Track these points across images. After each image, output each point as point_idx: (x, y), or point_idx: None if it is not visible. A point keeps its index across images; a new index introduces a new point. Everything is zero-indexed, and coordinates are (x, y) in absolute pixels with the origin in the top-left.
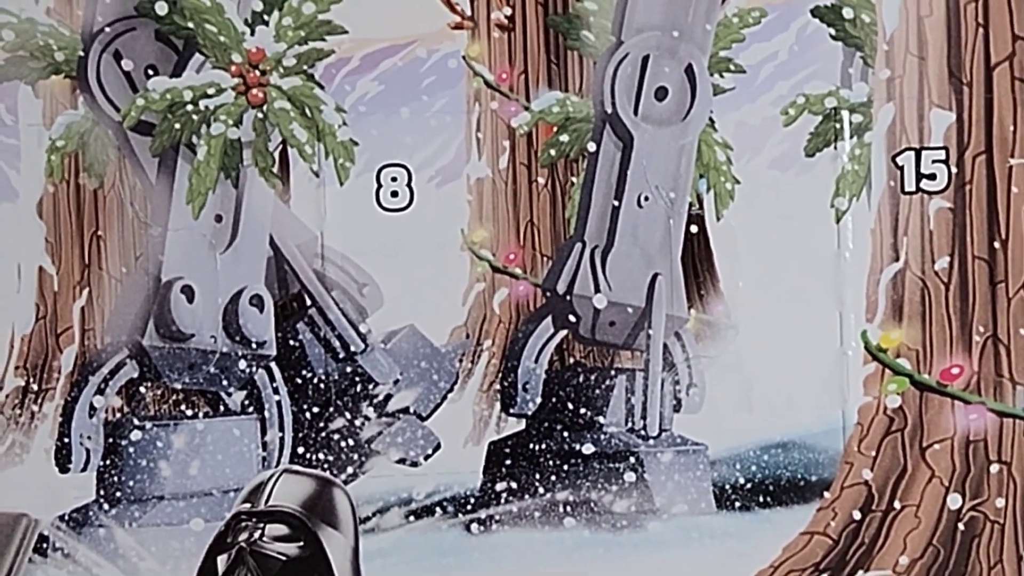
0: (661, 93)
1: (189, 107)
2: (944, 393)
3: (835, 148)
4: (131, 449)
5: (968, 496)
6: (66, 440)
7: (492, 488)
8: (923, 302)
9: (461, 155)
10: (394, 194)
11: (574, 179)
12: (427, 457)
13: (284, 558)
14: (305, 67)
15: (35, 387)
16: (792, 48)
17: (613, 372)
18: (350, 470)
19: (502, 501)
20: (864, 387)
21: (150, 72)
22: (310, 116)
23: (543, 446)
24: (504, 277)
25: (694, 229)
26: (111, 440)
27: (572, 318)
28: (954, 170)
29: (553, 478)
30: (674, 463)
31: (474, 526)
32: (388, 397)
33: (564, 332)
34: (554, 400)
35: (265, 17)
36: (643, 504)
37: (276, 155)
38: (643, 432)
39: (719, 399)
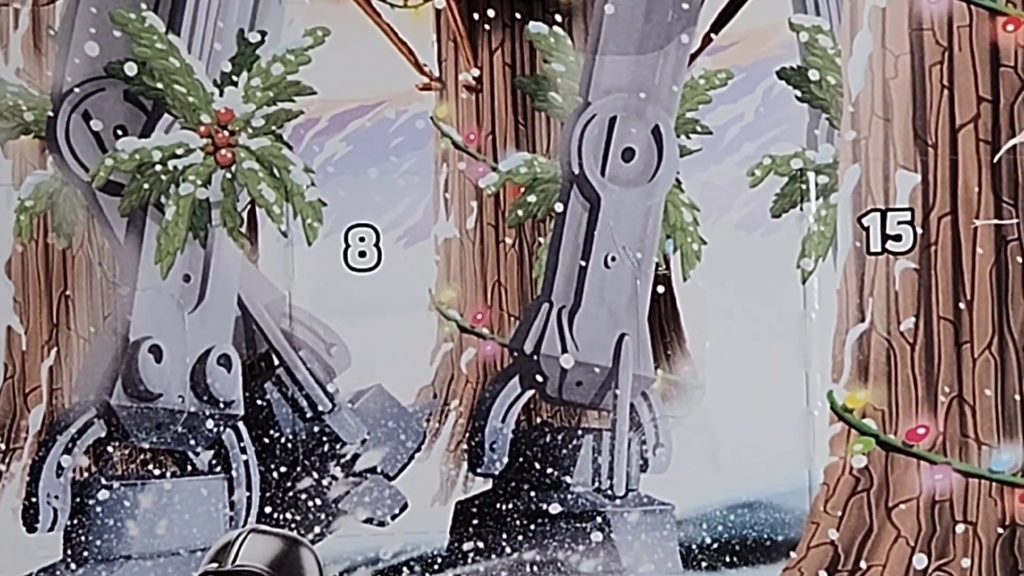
0: (628, 154)
1: (158, 167)
2: (910, 453)
3: (801, 209)
4: (98, 508)
5: (934, 556)
6: (33, 499)
7: (459, 548)
8: (888, 362)
9: (429, 215)
10: (362, 254)
11: (541, 239)
12: (394, 517)
13: None
14: (274, 128)
15: (2, 446)
16: (758, 109)
17: (580, 432)
18: (317, 529)
19: (469, 561)
20: (830, 447)
21: (119, 132)
22: (278, 176)
23: (510, 506)
24: (471, 337)
25: (661, 289)
26: (78, 499)
27: (539, 378)
28: (919, 231)
29: (520, 538)
30: (641, 523)
31: None
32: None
33: (531, 392)
34: (521, 460)
35: (234, 78)
36: (610, 564)
37: (244, 215)
38: (610, 492)
39: (686, 459)
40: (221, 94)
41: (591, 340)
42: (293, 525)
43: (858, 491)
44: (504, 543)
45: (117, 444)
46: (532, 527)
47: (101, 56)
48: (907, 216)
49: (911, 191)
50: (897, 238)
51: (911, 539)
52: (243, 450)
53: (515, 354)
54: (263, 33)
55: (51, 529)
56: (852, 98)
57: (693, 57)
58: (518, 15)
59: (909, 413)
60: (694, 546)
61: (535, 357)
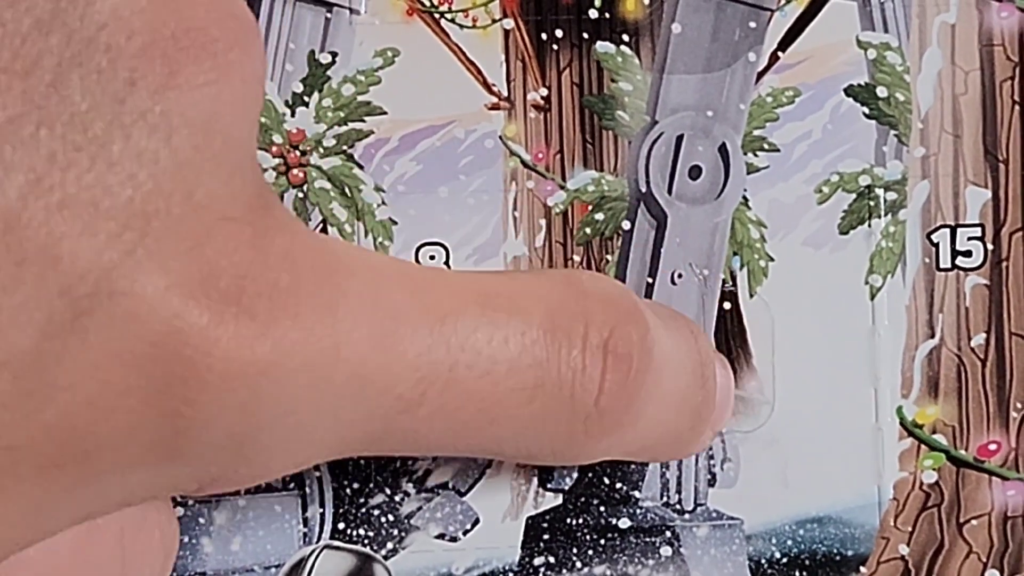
0: (695, 172)
1: None
2: (981, 469)
3: (869, 225)
4: None
5: (1007, 572)
6: None
7: (530, 562)
8: (959, 378)
9: (498, 233)
10: None
11: (609, 257)
12: (466, 532)
13: None
14: (345, 147)
15: None
16: (826, 126)
17: None
18: (390, 545)
19: (540, 575)
20: (900, 462)
21: None
22: (350, 195)
23: (580, 520)
24: None
25: (727, 306)
26: None
27: None
28: (990, 247)
29: (590, 552)
30: (710, 537)
31: None
32: (427, 473)
33: None
34: (591, 475)
35: (305, 98)
36: None
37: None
38: (678, 506)
39: (754, 474)
40: (293, 115)
41: None
42: (366, 541)
43: (928, 506)
44: (575, 557)
45: None
46: (602, 541)
47: None
48: (977, 232)
49: (981, 207)
50: (967, 254)
51: (983, 555)
52: (316, 467)
53: None
54: (334, 54)
55: None
56: (921, 114)
57: (760, 75)
58: (585, 35)
59: (980, 429)
60: (763, 560)
61: None
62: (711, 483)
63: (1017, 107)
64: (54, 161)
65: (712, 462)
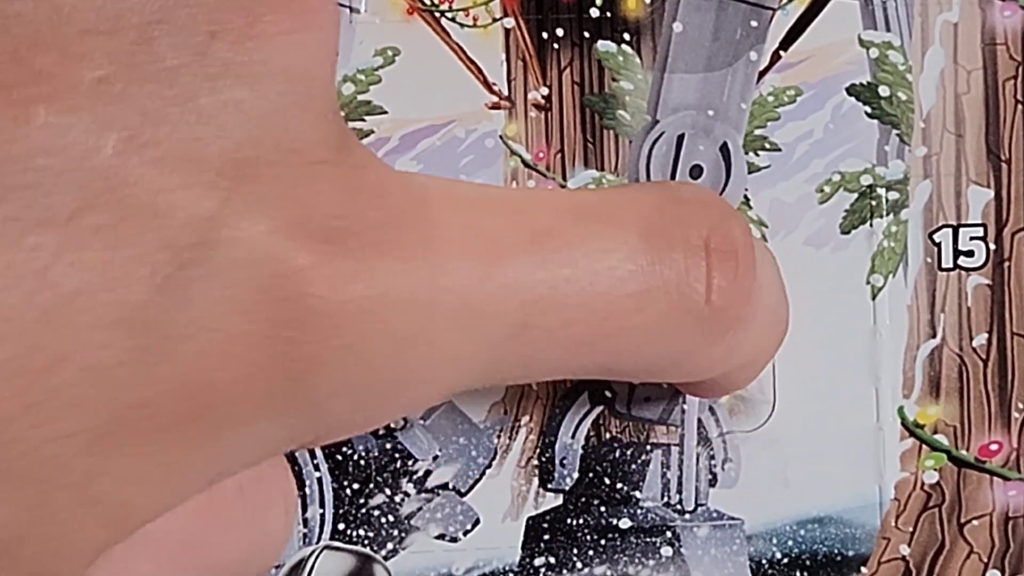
0: (696, 171)
1: None
2: (982, 469)
3: (871, 225)
4: None
5: (1008, 572)
6: None
7: (531, 563)
8: (960, 378)
9: None
10: None
11: None
12: (466, 532)
13: None
14: None
15: None
16: (828, 126)
17: (649, 447)
18: (390, 546)
19: (541, 575)
20: (901, 463)
21: None
22: None
23: (580, 521)
24: None
25: None
26: None
27: (608, 394)
28: (992, 247)
29: (591, 553)
30: (710, 537)
31: None
32: (427, 473)
33: (600, 408)
34: (591, 475)
35: None
36: None
37: None
38: (679, 506)
39: (755, 474)
40: None
41: None
42: (366, 541)
43: (930, 507)
44: (575, 558)
45: None
46: (602, 542)
47: None
48: (980, 232)
49: (984, 207)
50: (969, 254)
51: (984, 555)
52: (316, 467)
53: None
54: None
55: None
56: (923, 114)
57: (762, 74)
58: (586, 34)
59: (982, 429)
60: (764, 561)
61: None
62: (712, 483)
63: (1020, 106)
64: (146, 117)
65: (713, 462)
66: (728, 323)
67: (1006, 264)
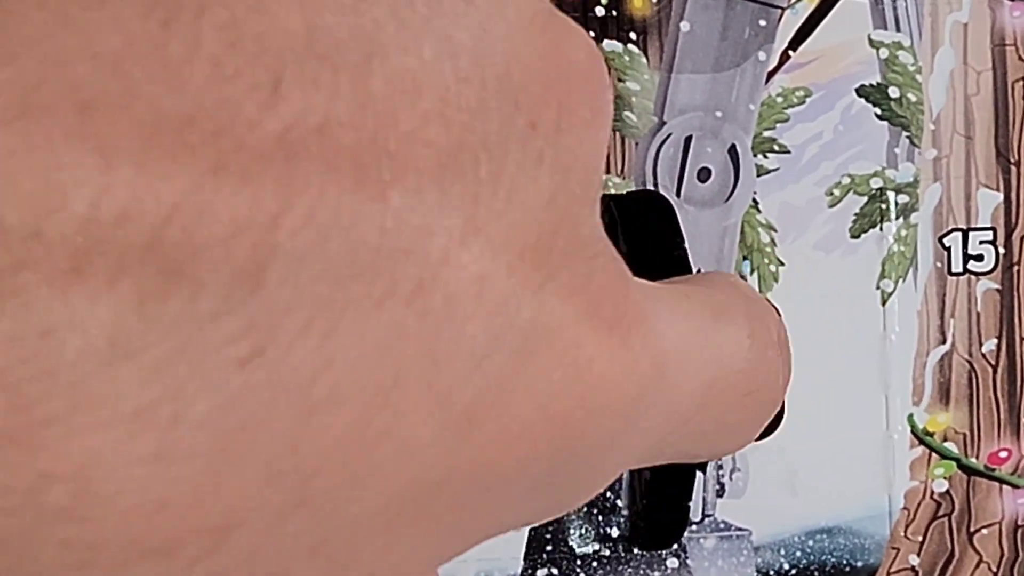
0: (704, 174)
1: None
2: (992, 477)
3: (881, 229)
4: None
5: None
6: None
7: (533, 574)
8: (970, 385)
9: None
10: None
11: None
12: None
13: None
14: None
15: None
16: (837, 128)
17: None
18: None
19: None
20: (911, 471)
21: None
22: None
23: (582, 532)
24: None
25: None
26: None
27: None
28: (1001, 251)
29: (594, 564)
30: (717, 549)
31: None
32: None
33: None
34: None
35: None
36: None
37: None
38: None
39: (763, 484)
40: None
41: None
42: None
43: (939, 516)
44: (578, 569)
45: None
46: (606, 553)
47: None
48: (989, 236)
49: (993, 210)
50: (979, 258)
51: (993, 564)
52: None
53: None
54: None
55: None
56: (933, 116)
57: (771, 75)
58: (592, 33)
59: (991, 436)
60: (771, 572)
61: None
62: (719, 493)
63: None
64: (478, 204)
65: (721, 472)
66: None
67: (1015, 268)
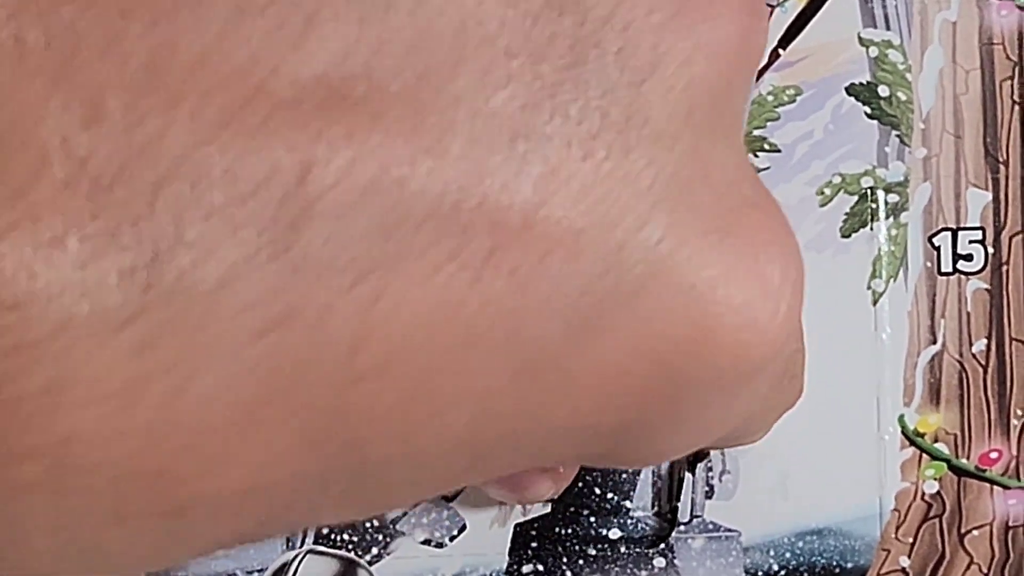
0: None
1: None
2: (983, 478)
3: (871, 229)
4: None
5: None
6: None
7: (518, 570)
8: (961, 385)
9: None
10: None
11: None
12: (452, 538)
13: None
14: None
15: None
16: (827, 126)
17: None
18: (375, 551)
19: None
20: (902, 472)
21: None
22: None
23: (569, 530)
24: None
25: None
26: None
27: None
28: (991, 250)
29: (580, 562)
30: (706, 549)
31: None
32: None
33: None
34: (580, 484)
35: None
36: None
37: None
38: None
39: (753, 485)
40: None
41: None
42: (350, 546)
43: (930, 517)
44: (564, 566)
45: None
46: (592, 551)
47: None
48: (978, 235)
49: (982, 209)
50: (968, 258)
51: (984, 566)
52: None
53: None
54: None
55: None
56: (923, 114)
57: (761, 73)
58: None
59: (982, 436)
60: (760, 573)
61: None
62: (708, 495)
63: (1017, 107)
64: (570, 149)
65: (710, 474)
66: None
67: (1004, 268)
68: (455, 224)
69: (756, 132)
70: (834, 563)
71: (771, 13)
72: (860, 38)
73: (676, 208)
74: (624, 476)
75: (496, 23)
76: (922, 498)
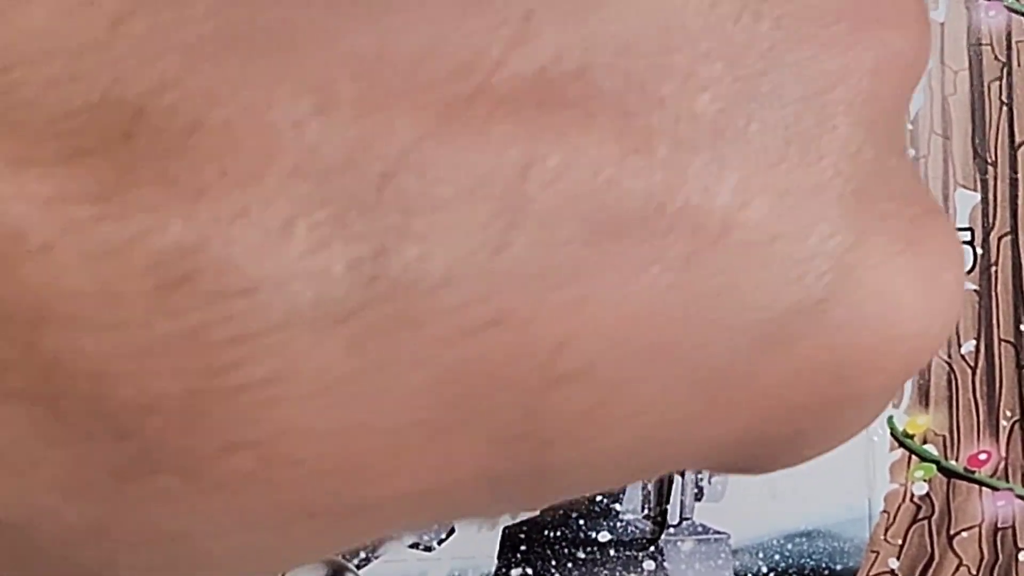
0: None
1: None
2: (971, 479)
3: None
4: None
5: None
6: None
7: (507, 573)
8: (949, 387)
9: None
10: None
11: None
12: (441, 541)
13: None
14: None
15: None
16: None
17: None
18: (363, 554)
19: None
20: (891, 474)
21: None
22: None
23: (558, 533)
24: None
25: None
26: None
27: None
28: (979, 251)
29: (569, 565)
30: (695, 551)
31: None
32: None
33: None
34: None
35: None
36: None
37: None
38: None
39: (742, 488)
40: None
41: None
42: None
43: (919, 519)
44: (553, 569)
45: None
46: (581, 554)
47: None
48: (967, 236)
49: (971, 210)
50: None
51: (973, 567)
52: None
53: None
54: None
55: None
56: (911, 115)
57: None
58: None
59: (971, 438)
60: (749, 575)
61: None
62: (698, 497)
63: (1005, 108)
64: (766, 155)
65: (700, 476)
66: None
67: (993, 269)
68: (659, 226)
69: None
70: (823, 565)
71: None
72: None
73: (864, 217)
74: None
75: (699, 25)
76: (911, 500)
